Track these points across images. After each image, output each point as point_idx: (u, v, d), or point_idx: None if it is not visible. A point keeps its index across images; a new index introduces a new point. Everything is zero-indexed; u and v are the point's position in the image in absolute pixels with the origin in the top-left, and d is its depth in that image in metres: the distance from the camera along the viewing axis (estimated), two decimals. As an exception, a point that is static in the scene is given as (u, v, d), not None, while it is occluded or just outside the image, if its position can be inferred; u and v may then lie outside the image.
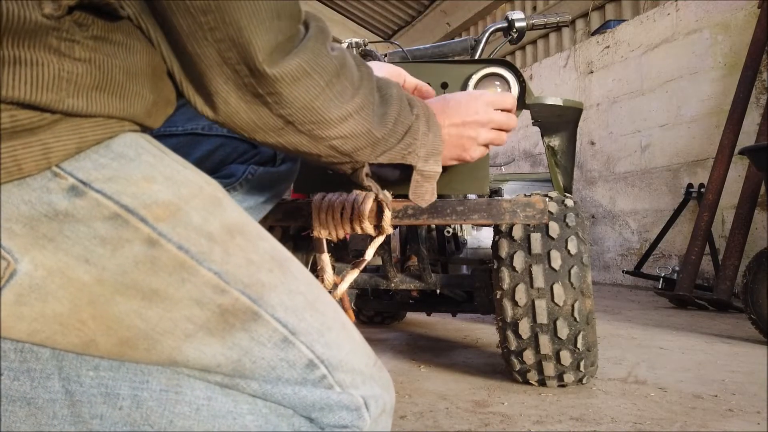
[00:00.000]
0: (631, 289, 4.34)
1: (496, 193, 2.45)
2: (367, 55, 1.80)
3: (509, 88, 1.18)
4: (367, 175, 0.66)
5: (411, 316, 2.98)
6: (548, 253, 1.36)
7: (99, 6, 0.39)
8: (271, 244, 0.46)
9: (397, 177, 0.79)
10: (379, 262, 1.75)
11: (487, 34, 1.68)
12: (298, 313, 0.44)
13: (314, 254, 1.39)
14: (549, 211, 1.41)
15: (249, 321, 0.41)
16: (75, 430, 0.40)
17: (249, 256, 0.43)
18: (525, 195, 1.38)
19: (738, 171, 3.63)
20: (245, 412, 0.42)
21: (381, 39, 8.01)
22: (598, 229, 4.95)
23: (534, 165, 5.75)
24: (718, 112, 3.91)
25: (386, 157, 0.62)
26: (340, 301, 1.01)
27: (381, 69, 0.84)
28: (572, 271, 1.35)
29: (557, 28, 2.11)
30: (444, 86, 1.20)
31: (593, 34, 5.13)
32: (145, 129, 0.45)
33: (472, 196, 1.80)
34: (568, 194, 1.56)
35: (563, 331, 1.34)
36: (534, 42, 6.00)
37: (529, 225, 1.39)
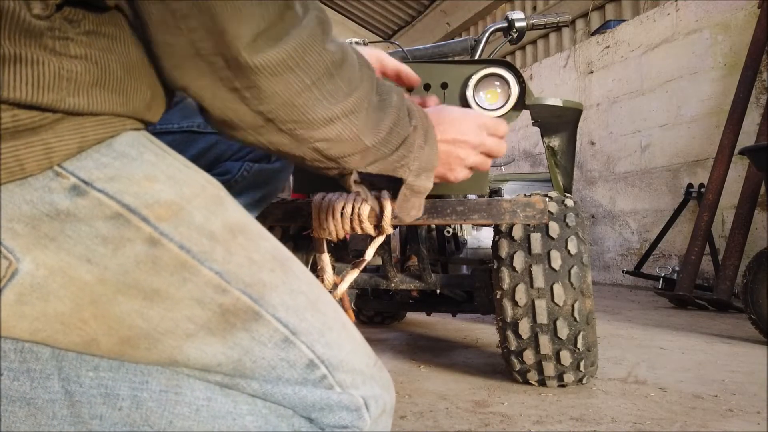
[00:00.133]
0: (631, 289, 4.34)
1: (496, 193, 2.46)
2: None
3: (509, 88, 1.18)
4: (355, 181, 0.63)
5: (411, 316, 2.98)
6: (548, 253, 1.36)
7: None
8: (272, 243, 0.46)
9: (387, 186, 0.74)
10: (379, 262, 1.75)
11: (487, 34, 1.68)
12: (299, 313, 0.44)
13: (314, 254, 1.39)
14: (549, 211, 1.41)
15: (250, 321, 0.41)
16: (74, 431, 0.40)
17: (251, 256, 0.43)
18: (525, 195, 1.38)
19: (738, 171, 3.63)
20: (245, 412, 0.42)
21: (381, 39, 8.01)
22: (598, 229, 4.95)
23: (534, 165, 5.75)
24: (718, 112, 3.91)
25: (376, 167, 0.58)
26: (340, 301, 1.01)
27: (358, 51, 0.80)
28: (572, 271, 1.35)
29: (557, 28, 2.11)
30: (444, 86, 1.20)
31: (593, 34, 5.13)
32: (145, 124, 0.44)
33: (472, 196, 1.80)
34: (568, 194, 1.56)
35: (563, 331, 1.34)
36: (534, 42, 6.00)
37: (529, 225, 1.39)
